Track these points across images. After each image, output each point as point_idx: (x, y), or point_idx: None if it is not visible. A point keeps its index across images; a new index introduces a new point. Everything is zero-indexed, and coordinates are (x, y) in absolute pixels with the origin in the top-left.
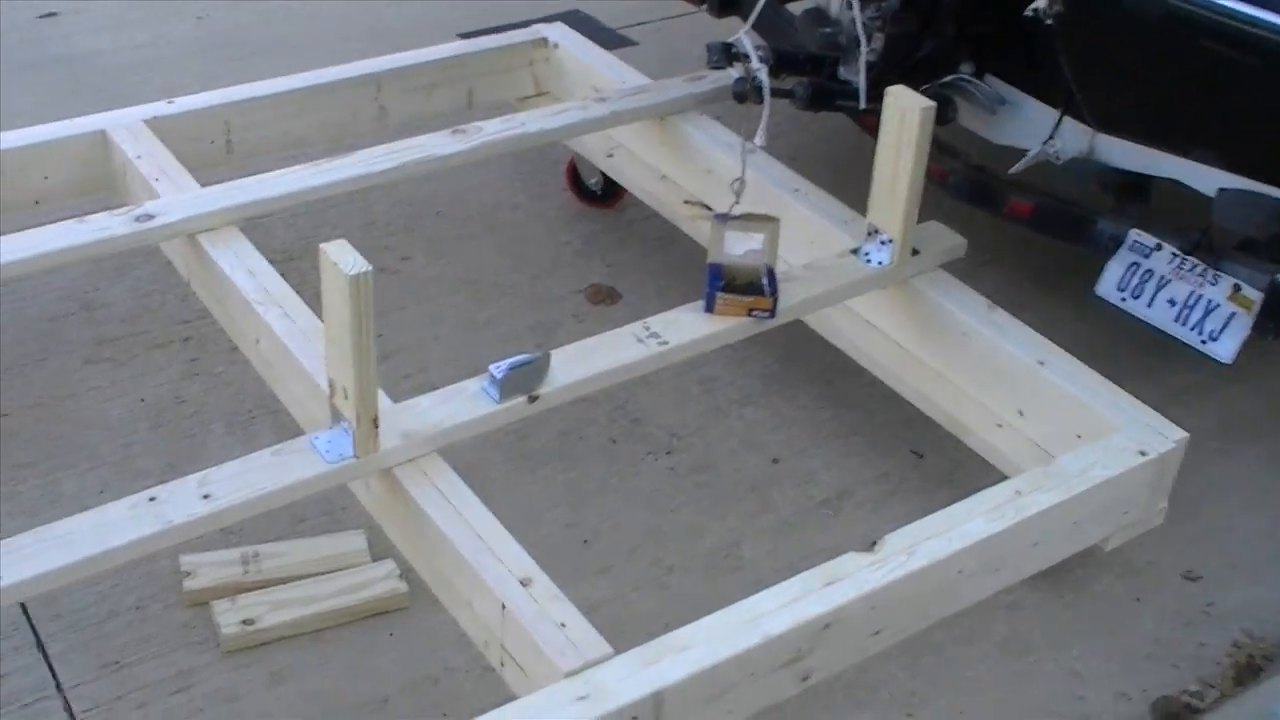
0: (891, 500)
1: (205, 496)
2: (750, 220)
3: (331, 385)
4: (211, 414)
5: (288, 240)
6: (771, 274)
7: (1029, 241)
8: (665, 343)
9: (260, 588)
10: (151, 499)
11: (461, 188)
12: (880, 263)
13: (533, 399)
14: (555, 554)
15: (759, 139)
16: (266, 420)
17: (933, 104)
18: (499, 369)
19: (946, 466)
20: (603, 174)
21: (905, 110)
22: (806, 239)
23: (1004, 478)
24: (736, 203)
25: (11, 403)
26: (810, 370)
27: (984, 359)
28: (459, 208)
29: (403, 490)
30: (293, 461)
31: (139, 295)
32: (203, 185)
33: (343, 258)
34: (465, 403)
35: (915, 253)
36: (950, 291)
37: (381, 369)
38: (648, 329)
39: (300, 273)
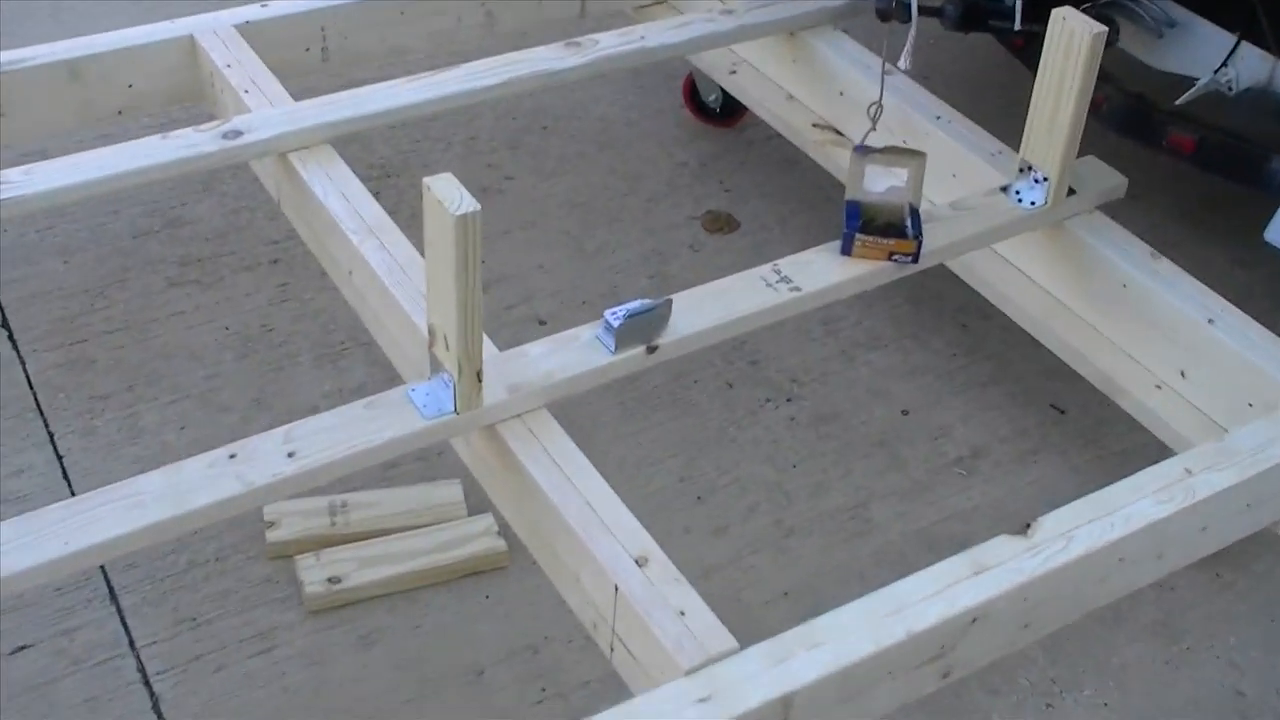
0: (1030, 461)
1: (290, 455)
2: (893, 154)
3: (432, 331)
4: (300, 344)
5: (386, 155)
6: (915, 214)
7: (1183, 176)
8: (798, 289)
9: (348, 541)
10: (232, 456)
11: (571, 102)
12: (1033, 203)
13: (651, 349)
14: (668, 511)
15: (904, 61)
16: (358, 353)
17: (1104, 29)
18: (615, 316)
19: (1091, 425)
20: (722, 90)
21: (1073, 34)
22: (949, 172)
23: (1155, 442)
24: (873, 129)
25: (90, 327)
26: (943, 313)
27: (1144, 313)
28: (568, 124)
29: (507, 449)
30: (387, 416)
31: (226, 212)
32: (296, 97)
33: (448, 194)
34: (578, 352)
35: (1071, 192)
36: (1109, 236)
37: (483, 299)
38: (778, 272)
39: (398, 191)
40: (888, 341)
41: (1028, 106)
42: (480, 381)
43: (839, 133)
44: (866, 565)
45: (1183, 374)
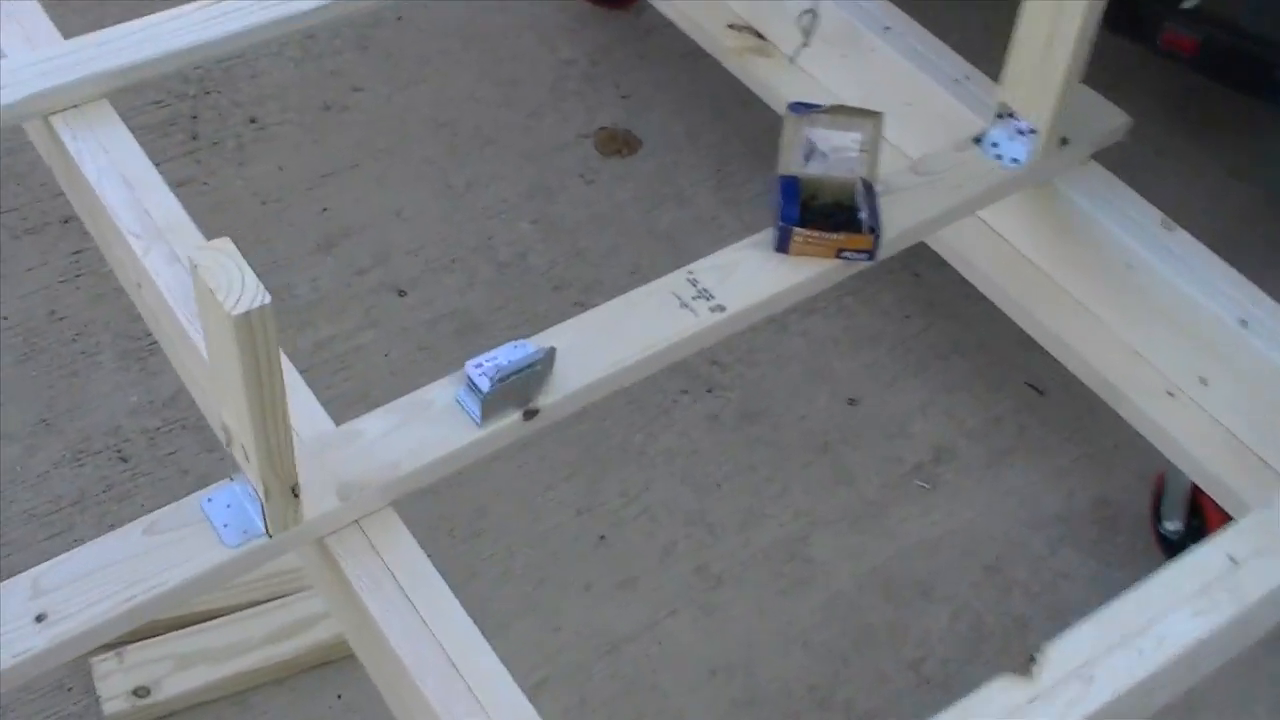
0: (1005, 463)
1: (40, 618)
2: (841, 114)
3: (226, 430)
4: (99, 336)
5: (193, 82)
6: (870, 192)
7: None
8: (720, 307)
9: (159, 631)
10: None
11: None
12: (1014, 160)
13: (530, 414)
14: (564, 559)
15: None
16: None
17: None
18: (481, 372)
19: (1076, 409)
20: None
21: None
22: (901, 103)
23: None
24: (805, 44)
25: None
26: (891, 262)
27: (1154, 301)
28: (427, 12)
29: (338, 567)
30: (175, 547)
31: (2, 152)
32: (64, 32)
33: (224, 279)
34: (431, 426)
35: (1064, 142)
36: (1110, 199)
37: (328, 261)
38: (694, 283)
39: (219, 114)
40: (826, 300)
41: (1011, 20)
42: (297, 496)
43: (760, 36)
44: (810, 625)
45: (1203, 380)
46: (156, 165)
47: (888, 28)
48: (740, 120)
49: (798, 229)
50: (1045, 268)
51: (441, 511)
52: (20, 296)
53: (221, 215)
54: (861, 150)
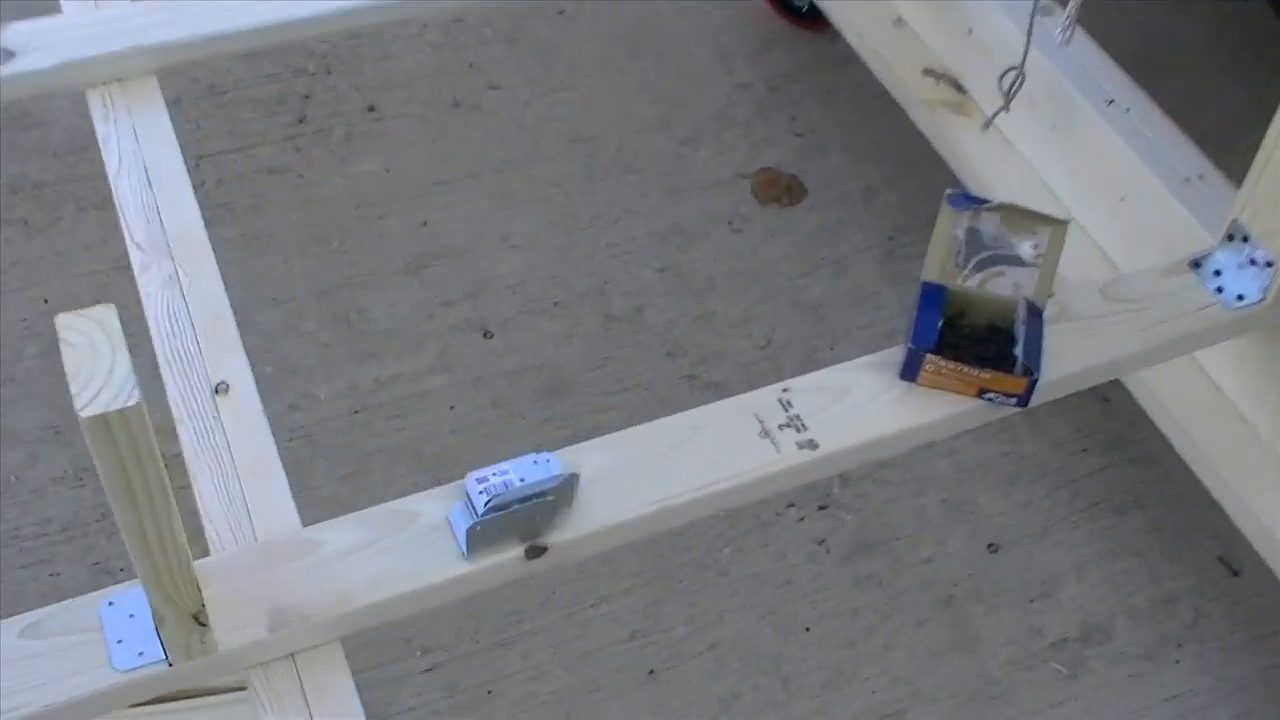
0: (1171, 657)
1: None
2: (1015, 215)
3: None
4: (139, 338)
5: (316, 57)
6: (1036, 319)
7: None
8: (813, 443)
9: None
10: None
11: None
12: (1241, 297)
13: (535, 552)
14: (600, 695)
15: (1061, 33)
16: None
17: None
18: (482, 490)
19: (1276, 601)
20: None
21: None
22: (1112, 198)
23: None
24: (1004, 109)
25: None
26: None
27: None
28: (595, 10)
29: (260, 705)
30: (54, 659)
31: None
32: None
33: (89, 364)
34: (406, 551)
35: None
36: None
37: (413, 285)
38: (787, 405)
39: (336, 98)
40: None
41: (1269, 118)
42: (203, 624)
43: (960, 89)
44: None
45: None
46: (251, 147)
47: (1112, 101)
48: (928, 183)
49: (931, 355)
50: (1259, 428)
51: (471, 606)
52: (70, 277)
53: (307, 213)
54: (1034, 263)
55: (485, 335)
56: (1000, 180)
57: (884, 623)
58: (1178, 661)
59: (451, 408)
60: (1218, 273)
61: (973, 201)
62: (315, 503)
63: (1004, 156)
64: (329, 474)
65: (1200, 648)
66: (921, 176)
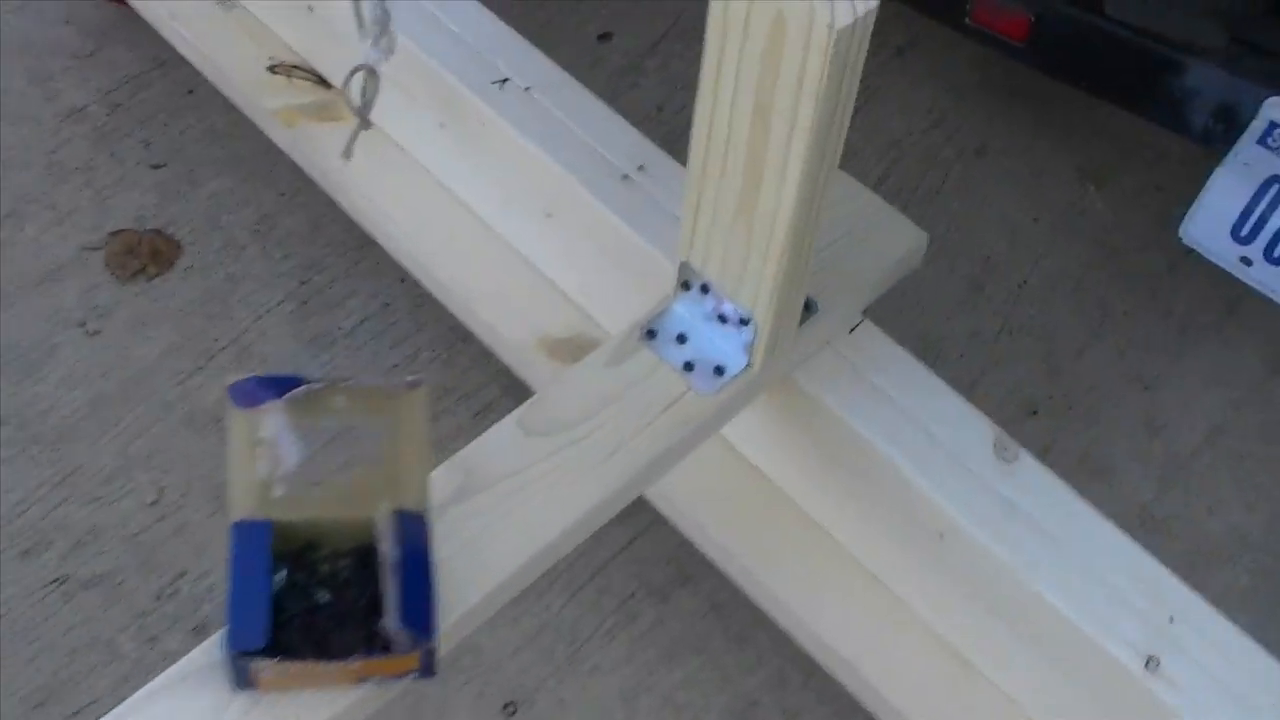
0: None
1: None
2: (333, 397)
3: None
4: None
5: None
6: (412, 531)
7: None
8: None
9: None
10: None
11: None
12: (721, 371)
13: None
14: None
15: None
16: None
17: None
18: None
19: None
20: None
21: None
22: (540, 211)
23: None
24: (365, 124)
25: None
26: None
27: (986, 593)
28: None
29: None
30: None
31: None
32: None
33: None
34: None
35: (807, 308)
36: (889, 407)
37: None
38: None
39: None
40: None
41: None
42: None
43: (321, 81)
44: None
45: None
46: None
47: (506, 80)
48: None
49: (259, 661)
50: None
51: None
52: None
53: None
54: (377, 464)
55: None
56: (403, 206)
57: None
58: None
59: None
60: (682, 338)
61: (274, 387)
62: None
63: (396, 171)
64: None
65: None
66: (306, 211)
